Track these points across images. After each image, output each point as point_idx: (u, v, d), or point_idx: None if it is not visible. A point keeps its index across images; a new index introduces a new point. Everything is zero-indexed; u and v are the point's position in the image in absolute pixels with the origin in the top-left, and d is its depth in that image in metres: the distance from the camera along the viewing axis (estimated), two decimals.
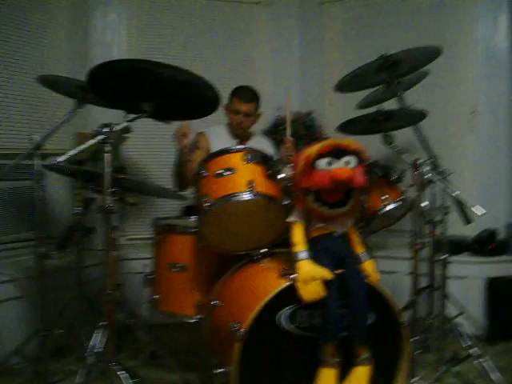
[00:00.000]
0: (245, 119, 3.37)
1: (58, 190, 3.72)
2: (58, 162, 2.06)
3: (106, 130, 2.15)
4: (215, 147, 3.18)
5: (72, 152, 2.12)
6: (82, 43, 4.00)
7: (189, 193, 3.25)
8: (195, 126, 3.21)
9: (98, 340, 2.68)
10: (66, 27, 3.91)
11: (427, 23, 3.98)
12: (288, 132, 3.14)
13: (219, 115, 3.34)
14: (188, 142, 3.08)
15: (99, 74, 2.30)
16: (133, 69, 2.30)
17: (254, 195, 2.36)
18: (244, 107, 3.35)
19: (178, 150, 3.15)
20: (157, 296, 2.81)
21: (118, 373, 2.23)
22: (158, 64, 2.23)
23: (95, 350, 2.66)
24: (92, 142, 2.14)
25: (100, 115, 3.49)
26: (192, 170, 2.76)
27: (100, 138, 2.14)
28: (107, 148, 2.17)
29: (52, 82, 2.94)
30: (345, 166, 2.15)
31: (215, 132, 3.44)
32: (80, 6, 3.98)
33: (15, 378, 2.87)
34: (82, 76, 2.53)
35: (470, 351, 2.75)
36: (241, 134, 3.44)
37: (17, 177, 3.38)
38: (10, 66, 3.48)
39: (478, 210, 2.46)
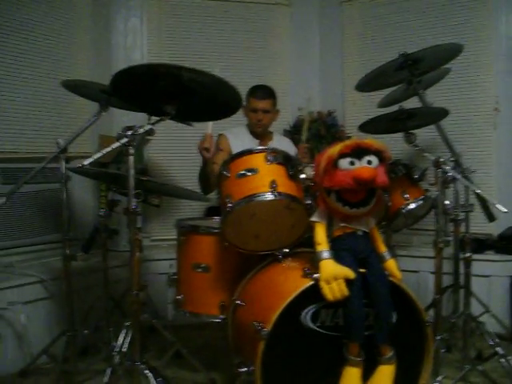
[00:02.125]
0: (263, 116, 3.39)
1: (83, 193, 3.78)
2: (84, 165, 2.08)
3: (129, 132, 2.18)
4: (236, 148, 3.20)
5: (97, 155, 2.14)
6: (105, 47, 4.06)
7: (211, 194, 3.28)
8: (216, 127, 3.24)
9: (123, 340, 2.73)
10: (89, 32, 3.97)
11: (448, 20, 3.94)
12: (304, 137, 3.14)
13: (239, 117, 3.37)
14: (211, 155, 3.10)
15: (121, 78, 2.33)
16: (153, 73, 2.33)
17: (276, 195, 2.37)
18: (261, 104, 3.37)
19: (202, 160, 3.18)
20: (181, 296, 2.83)
21: (143, 372, 2.25)
22: (176, 67, 2.25)
23: (121, 350, 2.71)
24: (116, 145, 2.17)
25: (123, 118, 3.56)
26: (215, 173, 2.79)
27: (124, 140, 2.17)
28: (131, 151, 2.19)
29: (76, 87, 2.99)
30: (367, 166, 2.16)
31: (235, 133, 3.46)
32: (102, 11, 4.04)
33: (42, 378, 2.92)
34: (104, 79, 2.56)
35: (495, 350, 2.74)
36: (261, 132, 3.45)
37: (43, 180, 3.43)
38: (34, 70, 3.54)
39: (501, 208, 2.43)
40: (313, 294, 2.17)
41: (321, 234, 2.28)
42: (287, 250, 2.60)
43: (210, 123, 2.98)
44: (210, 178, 3.16)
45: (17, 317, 3.00)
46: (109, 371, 2.64)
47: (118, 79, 2.33)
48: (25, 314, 3.02)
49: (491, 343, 2.80)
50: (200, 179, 3.30)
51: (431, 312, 2.73)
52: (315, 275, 2.19)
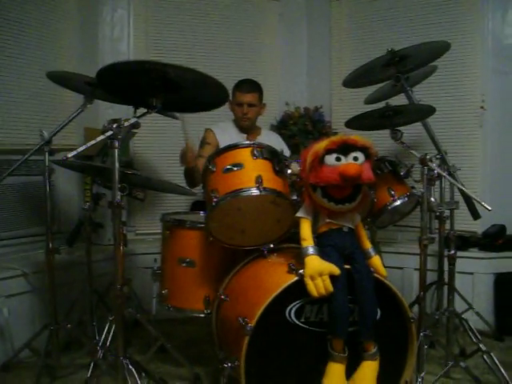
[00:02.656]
0: (249, 110, 3.38)
1: (68, 186, 3.75)
2: (68, 157, 2.06)
3: (114, 125, 2.16)
4: (223, 143, 3.19)
5: (81, 148, 2.12)
6: (91, 38, 4.02)
7: (197, 188, 3.27)
8: (202, 122, 3.23)
9: (107, 334, 2.71)
10: (75, 23, 3.92)
11: (435, 18, 3.95)
12: None
13: (227, 113, 3.37)
14: (193, 164, 3.08)
15: (107, 73, 2.31)
16: (139, 68, 2.31)
17: (262, 191, 2.36)
18: (247, 98, 3.38)
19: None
20: (165, 291, 2.82)
21: (127, 367, 2.23)
22: (162, 64, 2.23)
23: (104, 344, 2.70)
24: (101, 137, 2.15)
25: (108, 111, 3.53)
26: (201, 167, 2.78)
27: (109, 133, 2.15)
28: (116, 143, 2.17)
29: (61, 78, 2.95)
30: (353, 162, 2.15)
31: (222, 128, 3.45)
32: (89, 1, 4.00)
33: (25, 372, 2.89)
34: (90, 71, 2.53)
35: (478, 346, 2.75)
36: (247, 126, 3.45)
37: (26, 172, 3.40)
38: (19, 61, 3.49)
39: (486, 205, 2.44)
40: (297, 289, 2.17)
41: (306, 230, 2.28)
42: (272, 246, 2.60)
43: (184, 125, 2.95)
44: (195, 177, 3.14)
45: None
46: (92, 366, 2.63)
47: (104, 73, 2.31)
48: (7, 308, 3.00)
49: (474, 340, 2.82)
50: (185, 174, 3.28)
51: (415, 308, 2.74)
52: (300, 271, 2.19)
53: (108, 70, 2.28)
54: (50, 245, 2.78)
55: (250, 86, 3.41)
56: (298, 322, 2.21)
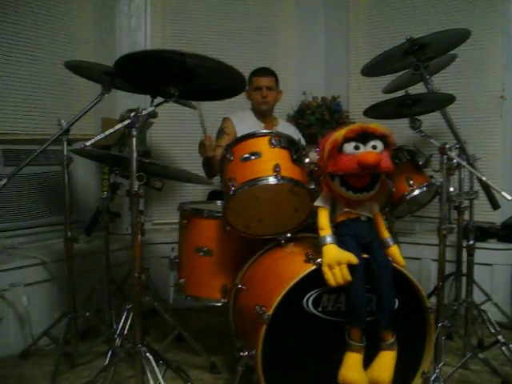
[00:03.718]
0: (268, 93, 3.40)
1: (86, 175, 3.77)
2: (86, 146, 2.07)
3: (132, 114, 2.16)
4: (241, 131, 3.18)
5: (100, 137, 2.13)
6: (108, 29, 4.03)
7: (214, 178, 3.27)
8: (221, 111, 3.21)
9: (124, 323, 2.73)
10: (93, 13, 3.92)
11: (455, 6, 3.90)
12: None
13: (243, 101, 3.36)
14: (212, 154, 3.06)
15: (125, 62, 2.31)
16: (157, 57, 2.31)
17: (280, 179, 2.35)
18: (264, 81, 3.40)
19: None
20: (183, 280, 2.82)
21: (144, 355, 2.24)
22: (180, 53, 2.23)
23: (122, 333, 2.72)
24: (119, 126, 2.15)
25: (126, 101, 3.54)
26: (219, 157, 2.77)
27: (127, 122, 2.15)
28: (134, 133, 2.17)
29: (79, 68, 2.96)
30: (372, 150, 2.14)
31: (240, 117, 3.44)
32: None
33: (43, 360, 2.93)
34: (108, 60, 2.54)
35: (496, 338, 2.73)
36: (266, 111, 3.45)
37: (45, 162, 3.42)
38: (37, 52, 3.51)
39: (506, 195, 2.41)
40: (315, 278, 2.16)
41: (324, 219, 2.27)
42: (290, 235, 2.59)
43: (201, 114, 2.95)
44: (214, 167, 3.13)
45: (18, 298, 3.00)
46: (110, 353, 2.65)
47: (121, 63, 2.31)
48: (26, 296, 3.03)
49: (493, 331, 2.80)
50: (204, 165, 3.27)
51: (433, 299, 2.72)
52: (318, 260, 2.18)
53: (126, 59, 2.28)
54: (69, 234, 2.81)
55: (266, 70, 3.45)
56: (315, 312, 2.20)
